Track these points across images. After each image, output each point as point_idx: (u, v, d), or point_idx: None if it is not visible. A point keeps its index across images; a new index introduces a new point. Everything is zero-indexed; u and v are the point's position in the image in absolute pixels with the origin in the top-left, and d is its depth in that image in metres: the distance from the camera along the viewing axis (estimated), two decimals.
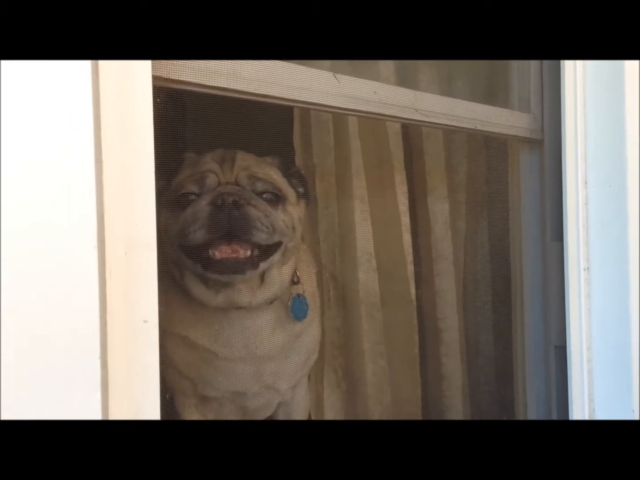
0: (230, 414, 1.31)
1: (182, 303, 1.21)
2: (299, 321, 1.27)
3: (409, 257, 1.66)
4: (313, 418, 1.56)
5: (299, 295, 1.27)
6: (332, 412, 1.60)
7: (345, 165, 1.60)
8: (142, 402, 0.78)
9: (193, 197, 1.15)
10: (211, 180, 1.16)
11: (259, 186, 1.18)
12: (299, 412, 1.44)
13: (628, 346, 1.66)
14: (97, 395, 0.69)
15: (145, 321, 0.79)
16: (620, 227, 1.66)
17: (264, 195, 1.17)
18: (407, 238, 1.66)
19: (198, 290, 1.19)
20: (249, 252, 1.13)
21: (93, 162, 0.70)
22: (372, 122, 1.62)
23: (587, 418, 1.66)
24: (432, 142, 1.79)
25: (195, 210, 1.12)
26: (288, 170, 1.28)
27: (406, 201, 1.65)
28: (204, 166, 1.18)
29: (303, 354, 1.33)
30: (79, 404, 0.70)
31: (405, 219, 1.65)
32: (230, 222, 1.10)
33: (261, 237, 1.13)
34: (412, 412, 1.69)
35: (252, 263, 1.14)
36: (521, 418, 1.71)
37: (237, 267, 1.12)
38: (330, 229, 1.63)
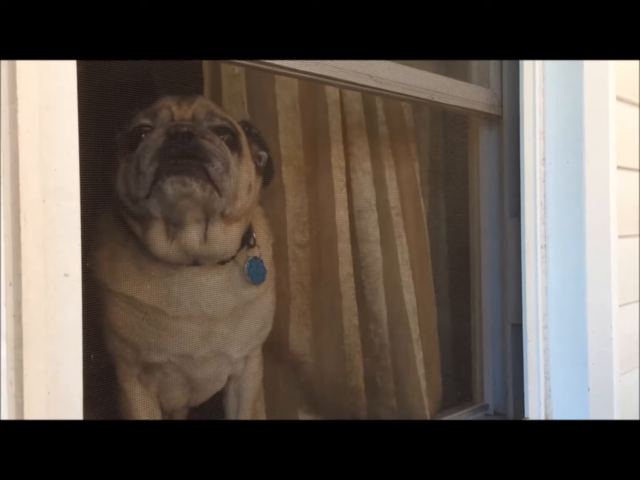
0: (175, 385, 1.24)
1: (129, 261, 1.15)
2: (255, 285, 1.22)
3: (342, 235, 1.60)
4: None
5: (255, 257, 1.22)
6: None
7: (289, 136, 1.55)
8: (61, 361, 0.74)
9: (144, 135, 1.09)
10: (164, 114, 1.11)
11: (217, 122, 1.13)
12: (250, 388, 1.38)
13: (583, 324, 1.65)
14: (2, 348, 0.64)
15: (66, 275, 0.74)
16: (577, 205, 1.65)
17: (221, 137, 1.12)
18: (341, 214, 1.59)
19: (158, 239, 1.10)
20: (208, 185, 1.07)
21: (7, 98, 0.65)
22: (311, 90, 1.57)
23: (542, 396, 1.65)
24: (392, 117, 1.76)
25: (146, 144, 1.07)
26: (249, 130, 1.23)
27: (343, 177, 1.59)
28: (158, 103, 1.14)
29: (256, 322, 1.27)
30: None
31: (342, 195, 1.59)
32: (183, 153, 1.04)
33: (213, 174, 1.06)
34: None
35: (209, 186, 1.07)
36: (478, 396, 1.69)
37: (192, 184, 1.04)
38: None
